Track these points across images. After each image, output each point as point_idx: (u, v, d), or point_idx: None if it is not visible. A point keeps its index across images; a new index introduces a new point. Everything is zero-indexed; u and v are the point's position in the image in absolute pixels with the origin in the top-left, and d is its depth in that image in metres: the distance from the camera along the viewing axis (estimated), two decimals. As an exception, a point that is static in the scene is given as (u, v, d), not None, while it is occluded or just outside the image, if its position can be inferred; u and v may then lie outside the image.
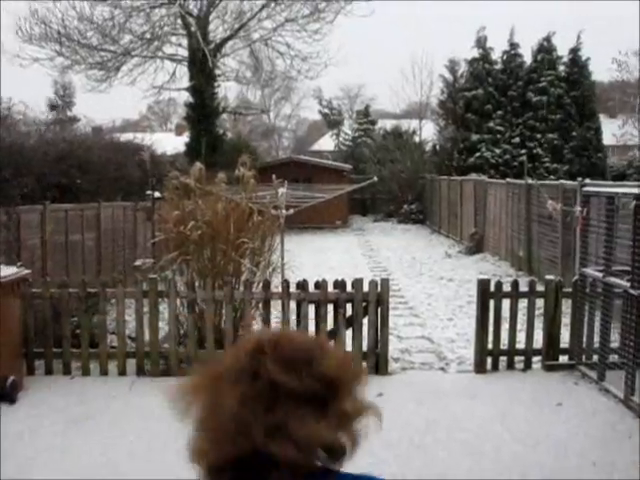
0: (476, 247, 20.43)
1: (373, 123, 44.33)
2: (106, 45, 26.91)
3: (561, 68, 28.76)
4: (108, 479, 5.38)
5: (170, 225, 8.39)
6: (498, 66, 29.26)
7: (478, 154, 28.12)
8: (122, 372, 8.17)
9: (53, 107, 30.91)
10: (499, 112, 28.55)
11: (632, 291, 6.88)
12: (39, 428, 6.43)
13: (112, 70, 27.49)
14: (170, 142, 29.36)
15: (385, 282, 8.20)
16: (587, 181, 12.59)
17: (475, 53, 29.41)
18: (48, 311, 8.16)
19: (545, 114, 28.04)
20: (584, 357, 8.16)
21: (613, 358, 7.73)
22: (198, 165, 8.64)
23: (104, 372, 8.18)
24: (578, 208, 8.70)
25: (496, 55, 29.46)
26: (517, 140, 28.14)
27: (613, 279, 7.45)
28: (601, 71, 38.15)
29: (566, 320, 8.48)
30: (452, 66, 30.63)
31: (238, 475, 1.49)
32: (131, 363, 8.23)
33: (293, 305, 8.12)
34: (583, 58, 28.56)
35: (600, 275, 7.70)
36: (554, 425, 6.48)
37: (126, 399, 7.30)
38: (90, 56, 26.99)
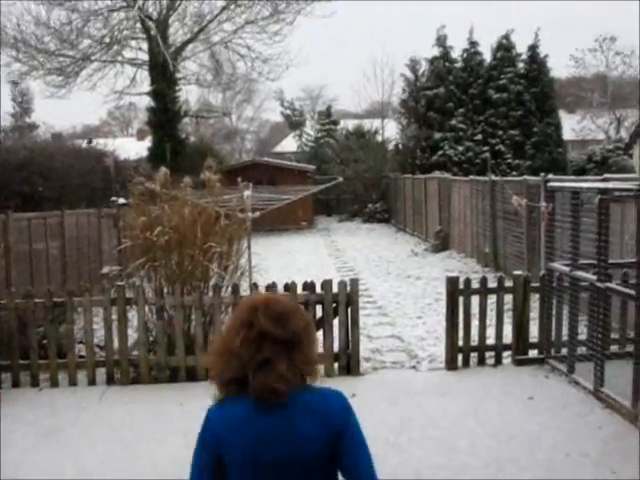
0: (442, 245, 20.57)
1: (335, 123, 44.44)
2: (64, 50, 26.57)
3: (520, 65, 29.10)
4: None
5: (137, 231, 8.29)
6: (459, 64, 29.51)
7: (441, 152, 28.32)
8: (92, 382, 8.05)
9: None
10: (461, 110, 28.78)
11: (599, 284, 6.97)
12: (9, 443, 6.30)
13: (71, 75, 27.17)
14: (132, 147, 29.11)
15: (354, 282, 8.20)
16: (550, 176, 12.73)
17: (436, 52, 29.66)
18: (13, 322, 8.01)
19: (506, 111, 28.33)
20: (553, 350, 8.24)
21: (581, 351, 7.83)
22: (163, 170, 8.55)
23: (73, 382, 8.05)
24: (543, 203, 8.79)
25: (456, 53, 29.75)
26: (479, 137, 28.40)
27: (580, 273, 7.54)
28: (559, 67, 38.69)
29: (534, 314, 8.56)
30: (413, 65, 30.79)
31: (239, 387, 2.35)
32: (100, 372, 8.11)
33: (263, 308, 8.07)
34: (541, 55, 28.91)
35: (567, 269, 7.78)
36: (527, 419, 6.54)
37: (96, 409, 7.20)
38: (48, 61, 26.63)
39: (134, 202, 8.58)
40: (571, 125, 35.99)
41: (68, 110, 38.85)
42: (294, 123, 48.17)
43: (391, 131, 37.10)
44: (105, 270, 10.64)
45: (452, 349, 8.25)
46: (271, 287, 8.05)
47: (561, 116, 30.06)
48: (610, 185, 7.29)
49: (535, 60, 28.80)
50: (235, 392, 2.37)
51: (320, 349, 7.87)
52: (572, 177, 15.83)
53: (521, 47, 29.26)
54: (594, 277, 7.13)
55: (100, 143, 19.64)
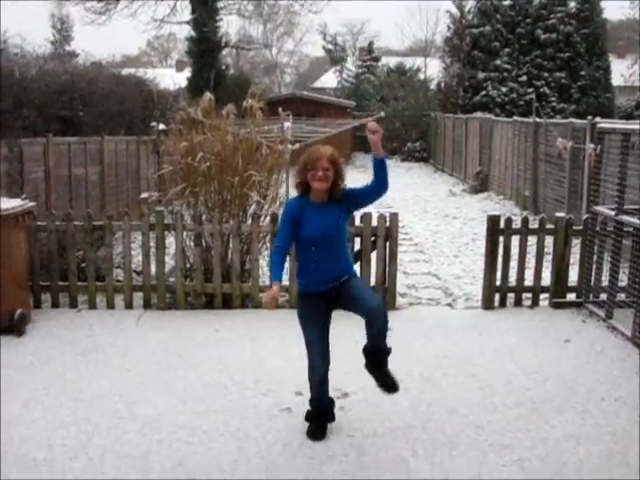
0: (481, 186, 20.33)
1: (377, 60, 43.68)
2: (105, -26, 26.27)
3: (572, 4, 28.15)
4: (118, 407, 5.39)
5: (178, 157, 8.24)
6: (507, 2, 28.64)
7: (484, 92, 27.75)
8: (129, 305, 8.15)
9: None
10: (506, 50, 28.07)
11: (645, 229, 6.81)
12: (49, 360, 6.43)
13: (111, 2, 26.90)
14: (171, 78, 28.91)
15: (394, 217, 8.12)
16: (597, 119, 12.39)
17: (483, -12, 28.77)
18: (53, 244, 8.10)
19: (553, 52, 27.55)
20: (592, 295, 8.12)
21: (620, 297, 7.71)
22: (208, 95, 8.41)
23: (111, 305, 8.16)
24: (591, 145, 8.54)
25: (505, -10, 28.85)
26: (524, 79, 27.72)
27: (626, 217, 7.35)
28: (612, 8, 37.22)
29: (573, 259, 8.43)
30: (459, 2, 29.98)
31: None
32: (137, 297, 8.20)
33: (300, 239, 8.04)
34: (595, -6, 27.94)
35: (612, 213, 7.59)
36: (563, 361, 6.48)
37: (133, 332, 7.29)
38: (88, -14, 26.37)
39: (176, 128, 8.50)
40: (620, 70, 34.83)
41: (107, 39, 38.69)
42: (335, 58, 47.42)
43: (434, 70, 36.45)
44: (144, 195, 10.65)
45: (489, 288, 8.18)
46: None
47: (611, 60, 29.14)
48: (665, 127, 7.03)
49: (588, -1, 27.84)
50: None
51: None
52: (620, 121, 15.37)
53: (574, -15, 28.27)
54: (640, 222, 6.96)
55: (140, 72, 19.47)
